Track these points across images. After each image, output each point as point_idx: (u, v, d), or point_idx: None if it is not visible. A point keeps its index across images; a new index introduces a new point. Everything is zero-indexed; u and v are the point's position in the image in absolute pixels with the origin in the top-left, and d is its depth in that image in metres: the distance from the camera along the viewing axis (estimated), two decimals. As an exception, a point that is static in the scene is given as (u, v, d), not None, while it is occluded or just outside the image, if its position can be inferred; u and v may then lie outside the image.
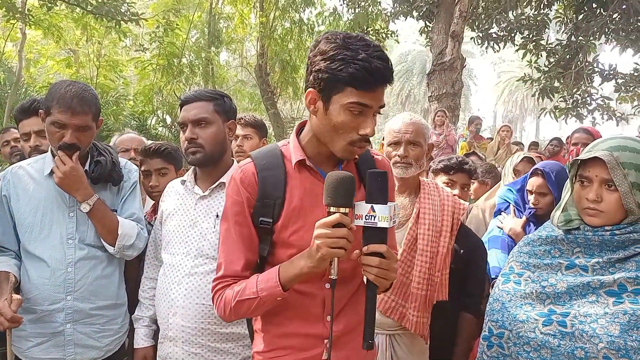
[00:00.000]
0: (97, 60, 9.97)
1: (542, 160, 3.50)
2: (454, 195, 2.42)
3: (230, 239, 1.50)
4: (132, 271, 2.37)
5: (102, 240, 2.12)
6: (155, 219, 2.40)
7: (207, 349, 1.97)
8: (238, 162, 2.09)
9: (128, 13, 8.00)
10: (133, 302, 2.28)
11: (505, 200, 2.90)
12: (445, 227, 2.17)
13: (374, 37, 9.63)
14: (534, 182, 2.70)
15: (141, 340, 2.20)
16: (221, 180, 2.09)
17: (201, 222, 2.04)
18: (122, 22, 7.97)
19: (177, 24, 9.85)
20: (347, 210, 1.31)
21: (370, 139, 1.46)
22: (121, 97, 9.87)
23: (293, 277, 1.40)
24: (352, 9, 10.84)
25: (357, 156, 1.53)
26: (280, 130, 11.18)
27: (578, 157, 1.58)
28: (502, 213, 2.85)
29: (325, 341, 1.50)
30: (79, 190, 2.04)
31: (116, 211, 2.18)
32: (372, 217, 1.31)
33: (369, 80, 1.34)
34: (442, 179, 2.83)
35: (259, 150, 1.57)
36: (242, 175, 1.49)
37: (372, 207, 1.31)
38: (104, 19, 7.83)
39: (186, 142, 2.05)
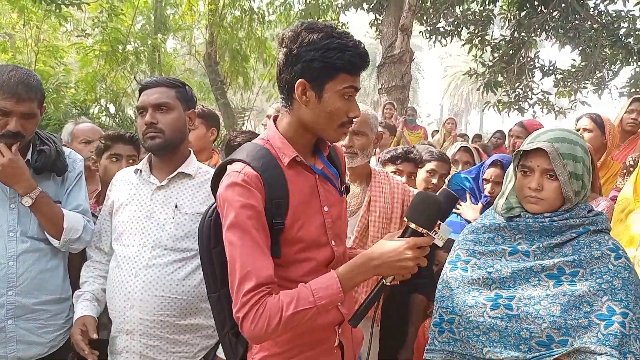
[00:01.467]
0: (35, 46, 9.47)
1: (477, 151, 3.72)
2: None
3: (250, 246, 1.38)
4: (76, 262, 2.28)
5: (46, 233, 2.03)
6: (99, 210, 2.33)
7: (165, 341, 1.95)
8: None
9: (69, -4, 7.62)
10: None
11: (460, 187, 3.04)
12: (395, 214, 2.24)
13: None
14: (492, 172, 2.91)
15: (80, 310, 2.03)
16: (180, 170, 2.04)
17: (158, 213, 2.00)
18: (62, 5, 7.59)
19: (121, 9, 9.47)
20: (428, 232, 1.39)
21: None
22: (62, 84, 9.43)
23: (356, 284, 1.42)
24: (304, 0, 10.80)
25: (329, 145, 1.60)
26: (231, 120, 11.00)
27: (521, 148, 1.66)
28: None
29: (336, 327, 1.56)
30: (19, 183, 1.94)
31: (60, 203, 2.09)
32: (435, 233, 1.40)
33: (361, 65, 1.42)
34: (389, 169, 2.92)
35: (246, 152, 1.49)
36: (246, 179, 1.41)
37: (439, 224, 1.42)
38: (43, 2, 7.43)
39: (145, 126, 1.99)
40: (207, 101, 12.08)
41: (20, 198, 1.96)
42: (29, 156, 2.03)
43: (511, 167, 1.76)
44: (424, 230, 1.37)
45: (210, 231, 1.58)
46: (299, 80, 1.41)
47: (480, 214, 2.78)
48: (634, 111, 3.50)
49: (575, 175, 1.61)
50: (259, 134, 2.44)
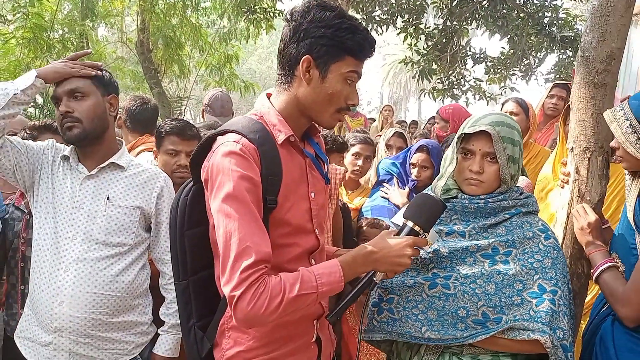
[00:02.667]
0: (-51, 32, 8.81)
1: (405, 137, 3.85)
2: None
3: (249, 219, 1.29)
4: None
5: None
6: (24, 203, 2.21)
7: (97, 339, 1.88)
8: None
9: (-16, -21, 7.13)
10: None
11: (388, 172, 3.11)
12: (332, 195, 2.29)
13: (261, 16, 9.49)
14: (418, 157, 3.00)
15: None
16: (112, 160, 1.96)
17: (89, 204, 1.91)
18: (-23, -12, 7.09)
19: (44, -6, 8.97)
20: (425, 233, 1.43)
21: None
22: (-19, 74, 8.83)
23: (355, 274, 1.40)
24: (238, -14, 10.59)
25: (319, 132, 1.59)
26: (167, 110, 10.69)
27: (463, 131, 1.68)
28: (385, 184, 3.05)
29: (315, 321, 1.51)
30: None
31: None
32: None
33: (368, 51, 1.40)
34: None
35: (240, 124, 1.41)
36: (243, 148, 1.33)
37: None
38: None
39: (61, 116, 1.89)
40: (142, 90, 11.67)
41: None
42: None
43: (450, 149, 1.78)
44: (421, 231, 1.40)
45: (185, 212, 1.49)
46: (305, 56, 1.36)
47: (408, 198, 2.86)
48: (555, 96, 3.69)
49: (512, 158, 1.66)
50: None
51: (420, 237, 1.41)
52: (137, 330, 1.99)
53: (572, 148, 1.94)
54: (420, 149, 3.08)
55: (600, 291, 1.86)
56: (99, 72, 2.00)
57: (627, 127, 1.67)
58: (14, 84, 1.84)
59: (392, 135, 3.81)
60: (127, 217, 1.96)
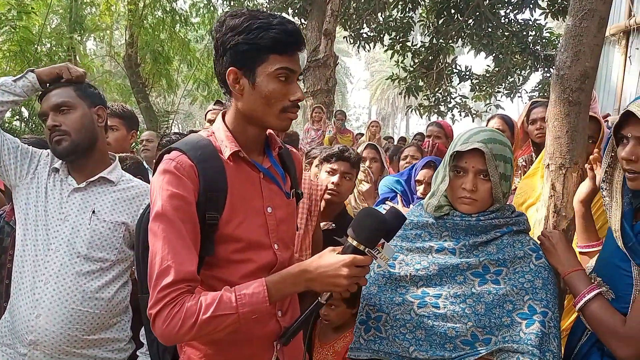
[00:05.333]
0: None
1: (377, 149, 3.85)
2: (332, 182, 2.50)
3: (174, 237, 1.27)
4: None
5: None
6: (14, 219, 2.19)
7: (72, 355, 1.84)
8: None
9: (-29, -8, 7.11)
10: None
11: (391, 189, 3.03)
12: (301, 209, 2.24)
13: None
14: (425, 174, 2.87)
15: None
16: (102, 174, 1.95)
17: (74, 217, 1.89)
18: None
19: (32, 8, 8.95)
20: (370, 250, 1.32)
21: None
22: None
23: (285, 295, 1.35)
24: (227, 2, 10.70)
25: (280, 145, 1.54)
26: (154, 124, 10.68)
27: (455, 149, 1.64)
28: (388, 202, 2.96)
29: (275, 342, 1.46)
30: None
31: None
32: (377, 252, 1.33)
33: (290, 43, 1.35)
34: (325, 168, 2.86)
35: (185, 141, 1.41)
36: (179, 166, 1.31)
37: (383, 243, 1.34)
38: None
39: (49, 131, 1.88)
40: (129, 104, 11.65)
41: None
42: None
43: (440, 167, 1.75)
44: (365, 249, 1.30)
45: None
46: (229, 68, 1.35)
47: None
48: (537, 121, 3.29)
49: (504, 176, 1.64)
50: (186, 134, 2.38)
51: (372, 253, 1.32)
52: (115, 347, 1.95)
53: (548, 164, 1.97)
54: (427, 165, 2.92)
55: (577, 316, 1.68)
56: (82, 83, 2.02)
57: None
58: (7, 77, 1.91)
59: (365, 148, 3.80)
60: (112, 232, 1.93)
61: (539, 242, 1.77)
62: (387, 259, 1.34)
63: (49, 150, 2.02)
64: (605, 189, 1.63)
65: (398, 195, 2.99)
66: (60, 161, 1.98)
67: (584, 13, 1.89)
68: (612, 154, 1.60)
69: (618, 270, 1.56)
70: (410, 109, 11.74)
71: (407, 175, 3.04)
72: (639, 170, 1.46)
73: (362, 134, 8.82)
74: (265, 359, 1.46)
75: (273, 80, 1.35)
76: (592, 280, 1.65)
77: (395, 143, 9.65)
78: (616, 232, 1.55)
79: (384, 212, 1.39)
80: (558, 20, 9.96)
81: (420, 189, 2.89)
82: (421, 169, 2.93)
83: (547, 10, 9.79)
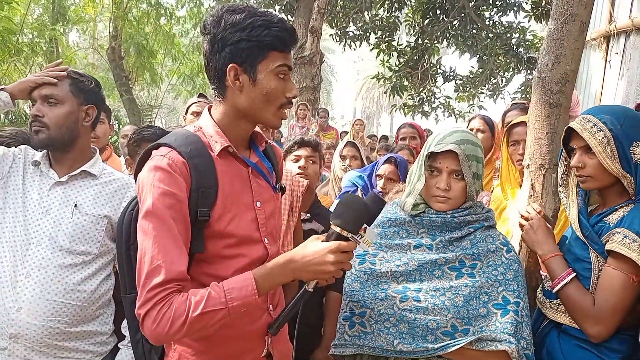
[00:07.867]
0: None
1: (357, 147, 3.88)
2: (299, 167, 2.54)
3: (165, 236, 1.26)
4: None
5: None
6: None
7: (53, 347, 1.83)
8: None
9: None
10: None
11: (353, 183, 3.13)
12: (283, 205, 2.25)
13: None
14: (386, 169, 3.01)
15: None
16: (84, 168, 1.94)
17: (55, 210, 1.87)
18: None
19: (13, -3, 8.81)
20: (354, 236, 1.33)
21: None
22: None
23: (273, 287, 1.35)
24: (214, -3, 10.66)
25: (266, 140, 1.55)
26: (137, 118, 10.58)
27: (430, 150, 1.71)
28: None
29: (266, 337, 1.47)
30: None
31: None
32: (360, 237, 1.35)
33: (290, 41, 1.37)
34: (290, 158, 2.86)
35: (174, 137, 1.39)
36: (171, 163, 1.30)
37: (365, 228, 1.37)
38: None
39: (31, 118, 1.88)
40: (112, 97, 11.54)
41: None
42: None
43: (415, 166, 1.81)
44: (349, 234, 1.32)
45: (130, 226, 1.48)
46: (230, 65, 1.34)
47: None
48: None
49: (477, 175, 1.71)
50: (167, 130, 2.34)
51: (356, 239, 1.34)
52: (97, 340, 1.95)
53: (529, 165, 2.02)
54: (388, 160, 3.08)
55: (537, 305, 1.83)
56: (79, 78, 1.99)
57: (602, 137, 1.63)
58: None
59: (344, 146, 3.84)
60: (94, 225, 1.92)
61: (519, 225, 1.92)
62: (370, 242, 1.36)
63: (24, 146, 2.01)
64: (563, 192, 1.86)
65: (358, 189, 3.09)
66: (41, 154, 1.97)
67: (565, 17, 1.94)
68: (566, 163, 1.82)
69: (577, 258, 1.76)
70: (395, 108, 11.82)
71: (369, 171, 3.17)
72: (587, 174, 1.71)
73: (347, 132, 8.86)
74: (257, 354, 1.46)
75: (274, 78, 1.37)
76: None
77: (378, 141, 9.70)
78: (575, 224, 1.77)
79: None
80: (541, 23, 10.11)
81: (380, 183, 3.01)
82: (382, 164, 3.06)
83: (531, 14, 9.94)
